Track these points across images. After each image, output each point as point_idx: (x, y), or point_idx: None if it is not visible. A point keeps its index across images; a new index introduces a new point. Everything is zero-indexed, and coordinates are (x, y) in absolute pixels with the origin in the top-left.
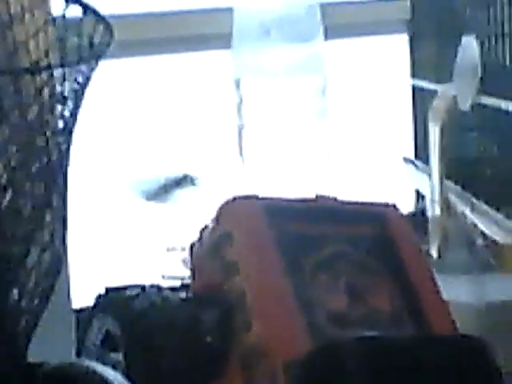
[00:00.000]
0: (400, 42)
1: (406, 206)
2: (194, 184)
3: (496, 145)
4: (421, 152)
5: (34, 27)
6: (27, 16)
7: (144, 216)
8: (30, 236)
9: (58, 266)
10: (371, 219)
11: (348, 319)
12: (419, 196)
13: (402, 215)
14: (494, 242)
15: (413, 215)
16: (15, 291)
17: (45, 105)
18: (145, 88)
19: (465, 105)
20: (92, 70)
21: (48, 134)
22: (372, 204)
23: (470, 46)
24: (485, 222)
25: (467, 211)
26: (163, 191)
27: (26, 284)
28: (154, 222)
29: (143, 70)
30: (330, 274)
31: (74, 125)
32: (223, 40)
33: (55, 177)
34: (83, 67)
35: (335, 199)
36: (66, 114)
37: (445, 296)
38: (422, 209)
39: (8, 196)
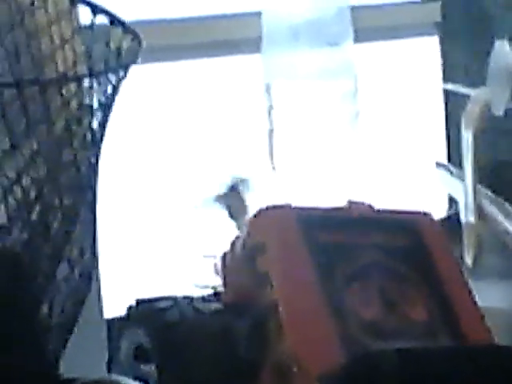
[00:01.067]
0: (431, 45)
1: (439, 211)
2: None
3: None
4: (454, 156)
5: (60, 38)
6: (54, 27)
7: (176, 222)
8: (59, 251)
9: (87, 280)
10: (406, 228)
11: (382, 330)
12: (452, 201)
13: (437, 224)
14: None
15: (446, 220)
16: (45, 307)
17: (72, 116)
18: (174, 94)
19: (498, 110)
20: (120, 80)
21: (76, 146)
22: (407, 212)
23: (503, 49)
24: None
25: (501, 217)
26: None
27: (55, 300)
28: (186, 228)
29: (172, 76)
30: (364, 284)
31: (102, 136)
32: (253, 44)
33: (84, 190)
34: (111, 77)
35: (368, 205)
36: (95, 125)
37: (480, 303)
38: (456, 214)
39: (36, 211)
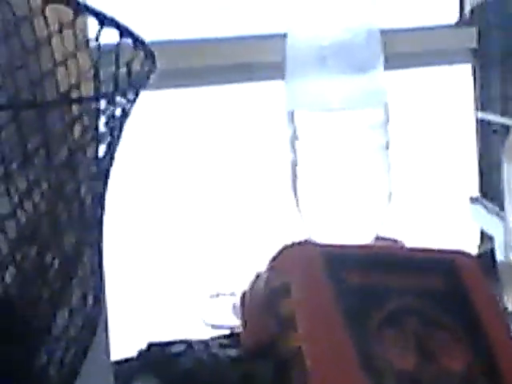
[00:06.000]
0: (465, 73)
1: (471, 249)
2: None
3: None
4: (487, 190)
5: (63, 53)
6: (55, 40)
7: (188, 260)
8: (59, 296)
9: (91, 328)
10: (441, 268)
11: (417, 381)
12: (483, 237)
13: (476, 264)
14: None
15: (479, 258)
16: (42, 359)
17: (76, 143)
18: (190, 122)
19: None
20: (131, 102)
21: (80, 177)
22: (441, 251)
23: None
24: None
25: None
26: None
27: (54, 351)
28: (199, 267)
29: (188, 102)
30: (397, 330)
31: (110, 166)
32: (276, 69)
33: (88, 227)
34: (120, 99)
35: (398, 242)
36: (101, 153)
37: None
38: (490, 251)
39: (33, 251)
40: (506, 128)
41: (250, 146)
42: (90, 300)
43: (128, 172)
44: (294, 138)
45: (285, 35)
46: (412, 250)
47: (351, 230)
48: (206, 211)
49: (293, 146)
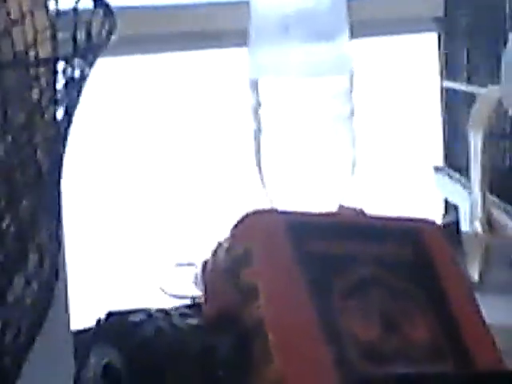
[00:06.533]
0: (430, 42)
1: (435, 218)
2: None
3: None
4: (452, 160)
5: (18, 12)
6: None
7: (151, 229)
8: (13, 263)
9: (48, 295)
10: (406, 237)
11: (381, 353)
12: (448, 207)
13: (441, 233)
14: None
15: (443, 228)
16: None
17: (33, 106)
18: (149, 89)
19: None
20: (90, 65)
21: (37, 140)
22: (407, 220)
23: None
24: None
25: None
26: None
27: (9, 318)
28: (162, 236)
29: (148, 70)
30: (361, 301)
31: (68, 130)
32: (239, 37)
33: (46, 191)
34: (79, 62)
35: (361, 211)
36: (59, 116)
37: (487, 319)
38: (455, 221)
39: None
40: (472, 97)
41: (213, 114)
42: (47, 266)
43: (91, 138)
44: (257, 106)
45: (248, 2)
46: (376, 218)
47: (314, 198)
48: (167, 179)
49: (256, 115)
